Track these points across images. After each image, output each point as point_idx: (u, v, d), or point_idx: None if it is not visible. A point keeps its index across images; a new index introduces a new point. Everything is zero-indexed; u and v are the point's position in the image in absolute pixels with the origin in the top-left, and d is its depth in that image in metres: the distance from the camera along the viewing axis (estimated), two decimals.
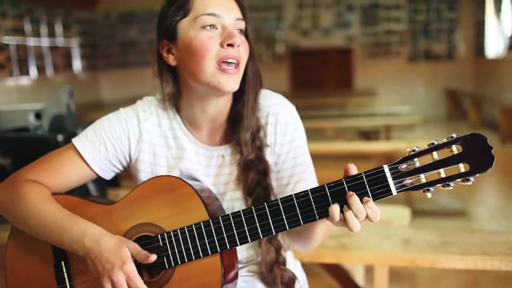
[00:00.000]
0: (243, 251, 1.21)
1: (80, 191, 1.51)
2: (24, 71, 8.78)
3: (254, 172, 1.15)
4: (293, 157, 1.20)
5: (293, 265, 1.29)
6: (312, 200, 0.99)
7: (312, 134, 5.28)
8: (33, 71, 9.01)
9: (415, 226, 2.53)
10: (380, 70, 10.07)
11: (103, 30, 11.02)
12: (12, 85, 8.48)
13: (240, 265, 1.22)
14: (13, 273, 1.21)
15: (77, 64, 10.41)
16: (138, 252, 1.05)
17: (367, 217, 0.95)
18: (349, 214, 0.94)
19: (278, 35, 10.39)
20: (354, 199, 0.94)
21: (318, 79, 10.43)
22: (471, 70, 9.72)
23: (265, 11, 10.32)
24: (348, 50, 10.19)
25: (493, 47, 8.88)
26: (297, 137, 1.22)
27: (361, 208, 0.93)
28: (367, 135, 5.55)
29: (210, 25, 1.08)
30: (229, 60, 1.09)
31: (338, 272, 2.20)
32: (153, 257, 1.05)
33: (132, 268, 1.03)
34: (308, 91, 9.86)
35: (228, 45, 1.08)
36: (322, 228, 1.14)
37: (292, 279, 1.18)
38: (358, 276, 2.45)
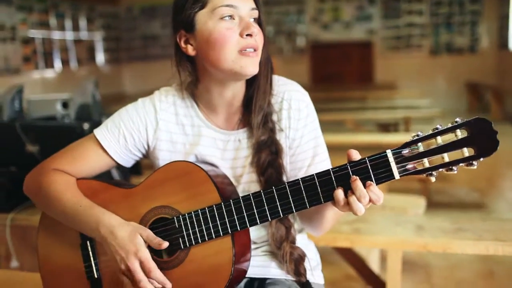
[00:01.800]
0: (254, 231, 1.26)
1: (105, 177, 1.59)
2: (49, 64, 8.98)
3: (266, 153, 1.20)
4: (306, 141, 1.25)
5: (306, 245, 1.33)
6: (317, 184, 1.03)
7: (332, 126, 5.34)
8: (57, 64, 9.20)
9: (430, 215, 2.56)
10: (401, 64, 10.00)
11: (126, 23, 11.17)
12: (38, 78, 8.69)
13: (255, 245, 1.28)
14: (44, 252, 1.30)
15: (100, 57, 10.59)
16: (151, 240, 1.12)
17: (370, 200, 0.98)
18: (352, 199, 0.98)
19: (299, 29, 10.40)
20: (357, 183, 0.97)
21: (339, 73, 10.41)
22: (494, 64, 9.59)
23: (286, 5, 10.33)
24: (369, 43, 10.15)
25: None
26: (310, 121, 1.26)
27: (364, 193, 0.97)
28: (386, 127, 5.55)
29: (229, 16, 1.13)
30: (248, 50, 1.14)
31: (353, 258, 2.25)
32: (165, 244, 1.12)
33: (146, 254, 1.10)
34: (329, 84, 9.85)
35: (247, 35, 1.13)
36: (331, 213, 1.18)
37: (301, 256, 1.23)
38: (373, 263, 2.50)
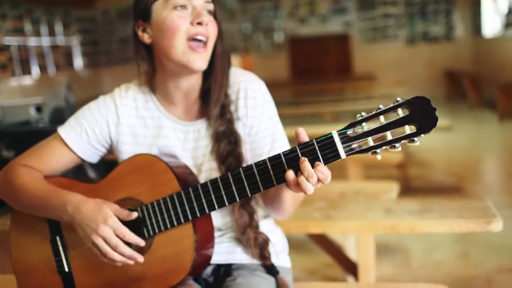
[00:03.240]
0: (219, 218, 1.31)
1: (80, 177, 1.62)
2: (26, 71, 8.92)
3: (225, 143, 1.25)
4: (264, 128, 1.30)
5: (272, 231, 1.37)
6: (270, 168, 1.08)
7: (310, 119, 5.37)
8: (35, 70, 9.14)
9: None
10: (379, 54, 10.11)
11: (103, 27, 11.13)
12: (15, 85, 8.62)
13: (219, 233, 1.32)
14: (16, 251, 1.34)
15: (78, 61, 10.54)
16: (119, 211, 1.16)
17: (318, 180, 1.02)
18: (301, 179, 1.02)
19: (276, 24, 10.45)
20: (305, 164, 1.01)
21: (318, 66, 10.49)
22: (469, 51, 9.74)
23: (262, 1, 10.38)
24: (346, 36, 10.24)
25: (490, 27, 8.90)
26: (267, 109, 1.31)
27: (312, 172, 1.01)
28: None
29: (181, 6, 1.19)
30: (198, 37, 1.20)
31: (329, 245, 2.31)
32: (134, 214, 1.17)
33: (116, 221, 1.14)
34: (308, 78, 9.93)
35: (198, 23, 1.19)
36: (288, 196, 1.22)
37: (265, 241, 1.27)
38: (351, 250, 2.55)
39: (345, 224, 1.86)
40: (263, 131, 1.30)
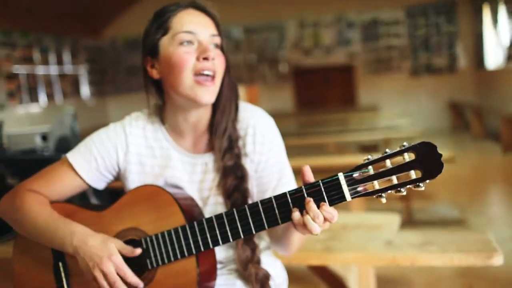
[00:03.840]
0: (222, 252, 1.31)
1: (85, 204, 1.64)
2: (34, 99, 9.04)
3: (232, 178, 1.26)
4: (272, 165, 1.31)
5: (273, 264, 1.38)
6: (275, 206, 1.09)
7: (313, 150, 5.38)
8: (42, 98, 9.26)
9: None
10: (382, 86, 10.19)
11: (110, 56, 11.29)
12: (23, 113, 8.73)
13: (221, 265, 1.32)
14: (19, 277, 1.34)
15: (85, 90, 10.67)
16: (123, 247, 1.18)
17: (325, 219, 1.03)
18: (307, 219, 1.03)
19: (280, 55, 10.58)
20: (310, 205, 1.03)
21: (322, 97, 10.57)
22: (473, 82, 9.80)
23: (267, 32, 10.53)
24: (350, 67, 10.34)
25: (493, 59, 8.98)
26: (275, 146, 1.32)
27: (317, 213, 1.02)
28: (368, 149, 5.64)
29: (187, 41, 1.21)
30: (205, 72, 1.21)
31: (329, 277, 2.29)
32: (138, 251, 1.18)
33: (119, 259, 1.15)
34: (313, 108, 9.99)
35: (204, 58, 1.20)
36: (297, 237, 1.23)
37: (266, 276, 1.27)
38: (352, 282, 2.54)
39: (345, 256, 1.86)
40: (271, 167, 1.31)
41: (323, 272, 2.29)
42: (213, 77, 1.22)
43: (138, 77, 10.91)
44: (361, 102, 10.28)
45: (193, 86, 1.20)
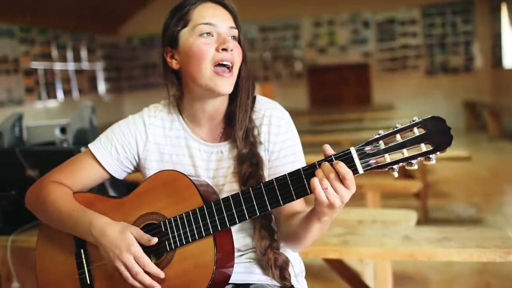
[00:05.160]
0: (240, 240, 1.32)
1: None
2: (52, 95, 9.16)
3: (247, 164, 1.28)
4: (285, 155, 1.32)
5: (291, 253, 1.38)
6: (289, 183, 1.12)
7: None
8: (60, 94, 9.37)
9: None
10: (398, 85, 10.13)
11: (126, 53, 11.38)
12: (41, 108, 8.85)
13: (239, 253, 1.33)
14: (41, 264, 1.38)
15: (101, 86, 10.77)
16: (141, 236, 1.21)
17: (343, 181, 1.05)
18: (325, 183, 1.06)
19: (295, 54, 10.57)
20: (324, 164, 1.07)
21: (337, 95, 10.54)
22: (489, 82, 9.71)
23: (283, 31, 10.53)
24: (365, 66, 10.30)
25: (510, 58, 8.88)
26: (289, 137, 1.34)
27: (330, 169, 1.06)
28: None
29: (207, 33, 1.25)
30: (224, 63, 1.25)
31: (345, 271, 2.29)
32: (155, 240, 1.20)
33: (138, 249, 1.19)
34: (327, 107, 9.98)
35: (223, 49, 1.24)
36: (316, 227, 1.21)
37: (286, 262, 1.28)
38: (368, 277, 2.53)
39: (362, 250, 1.86)
40: (283, 158, 1.32)
41: (339, 266, 2.29)
42: (230, 68, 1.26)
43: (153, 74, 11.01)
44: (376, 101, 10.24)
45: (212, 76, 1.24)
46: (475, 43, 9.80)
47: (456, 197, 4.90)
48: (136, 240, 1.20)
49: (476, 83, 9.78)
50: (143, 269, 1.18)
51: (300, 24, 10.45)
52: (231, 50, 1.25)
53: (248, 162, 1.28)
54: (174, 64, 1.31)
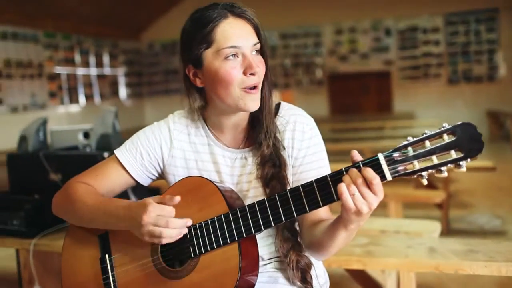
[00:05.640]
0: (265, 247, 1.31)
1: None
2: (74, 99, 9.30)
3: (270, 165, 1.28)
4: (309, 162, 1.31)
5: (315, 263, 1.36)
6: (316, 189, 1.11)
7: (348, 156, 5.33)
8: (81, 99, 9.50)
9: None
10: (419, 93, 10.03)
11: (148, 59, 11.49)
12: (63, 112, 8.98)
13: (263, 262, 1.32)
14: (66, 268, 1.39)
15: (123, 91, 10.89)
16: (161, 199, 1.18)
17: (370, 187, 1.03)
18: (352, 188, 1.04)
19: (316, 61, 10.55)
20: (352, 169, 1.05)
21: (357, 103, 10.49)
22: None
23: (304, 38, 10.52)
24: (387, 74, 10.22)
25: None
26: (313, 144, 1.33)
27: (358, 174, 1.04)
28: None
29: (232, 55, 1.23)
30: (253, 85, 1.24)
31: (368, 282, 2.26)
32: (177, 198, 1.16)
33: (155, 205, 1.15)
34: (347, 115, 9.92)
35: (250, 74, 1.23)
36: (342, 236, 1.19)
37: (308, 265, 1.27)
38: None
39: (386, 261, 1.83)
40: (307, 164, 1.31)
41: (361, 277, 2.26)
42: (257, 85, 1.26)
43: (174, 79, 11.09)
44: (397, 109, 10.14)
45: (241, 96, 1.23)
46: (499, 52, 9.66)
47: (479, 208, 4.81)
48: (159, 202, 1.17)
49: (500, 92, 9.63)
50: (171, 215, 1.15)
51: (321, 31, 10.43)
52: (258, 73, 1.24)
53: (271, 163, 1.28)
54: (198, 83, 1.30)
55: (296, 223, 1.30)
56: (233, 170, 1.34)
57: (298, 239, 1.27)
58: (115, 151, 1.40)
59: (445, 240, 2.06)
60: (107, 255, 1.33)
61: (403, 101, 10.11)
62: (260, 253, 1.27)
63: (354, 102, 10.48)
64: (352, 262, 1.86)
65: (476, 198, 5.17)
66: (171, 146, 1.37)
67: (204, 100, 1.36)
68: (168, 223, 1.14)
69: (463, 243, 1.91)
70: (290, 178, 1.31)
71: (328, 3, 10.09)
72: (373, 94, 10.46)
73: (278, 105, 1.37)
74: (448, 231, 3.96)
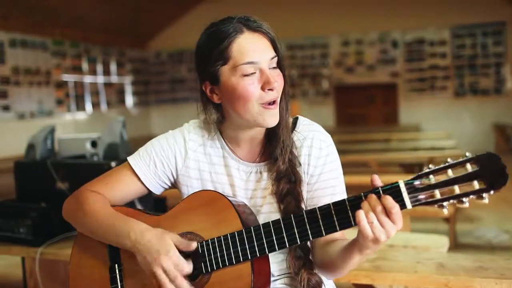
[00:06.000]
0: (275, 264, 1.29)
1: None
2: (80, 107, 9.33)
3: (285, 181, 1.26)
4: (324, 179, 1.29)
5: (325, 281, 1.33)
6: (333, 213, 1.08)
7: (356, 167, 5.28)
8: (88, 106, 9.54)
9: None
10: (425, 105, 10.01)
11: (154, 68, 11.54)
12: (70, 119, 9.01)
13: (274, 278, 1.30)
14: (75, 276, 1.38)
15: (129, 100, 10.92)
16: (180, 242, 1.18)
17: (389, 215, 1.02)
18: (371, 216, 1.02)
19: (323, 72, 10.55)
20: (371, 196, 1.03)
21: (363, 115, 10.47)
22: None
23: (311, 49, 10.53)
24: (393, 86, 10.21)
25: None
26: (330, 161, 1.30)
27: (377, 202, 1.02)
28: (410, 168, 5.53)
29: (250, 72, 1.20)
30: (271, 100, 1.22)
31: None
32: (194, 245, 1.17)
33: (176, 253, 1.15)
34: (353, 126, 9.90)
35: (269, 89, 1.21)
36: (358, 258, 1.16)
37: (319, 283, 1.24)
38: None
39: (395, 276, 1.81)
40: (323, 182, 1.29)
41: None
42: (276, 100, 1.24)
43: (181, 88, 11.12)
44: (403, 121, 10.12)
45: (260, 112, 1.21)
46: (506, 65, 9.64)
47: (486, 222, 4.77)
48: (176, 246, 1.17)
49: (507, 105, 9.59)
50: (182, 273, 1.15)
51: (328, 43, 10.44)
52: (276, 87, 1.22)
53: (286, 179, 1.26)
54: (216, 99, 1.28)
55: (308, 241, 1.28)
56: (247, 184, 1.32)
57: (310, 257, 1.26)
58: (128, 158, 1.38)
59: (454, 256, 2.04)
60: (116, 265, 1.31)
61: (409, 113, 10.08)
62: (272, 270, 1.25)
63: (360, 114, 10.47)
64: (361, 277, 1.84)
65: (483, 211, 5.13)
66: (186, 157, 1.35)
67: (221, 114, 1.32)
68: (175, 279, 1.14)
69: (472, 260, 1.88)
70: (305, 194, 1.29)
71: (336, 15, 10.11)
72: (379, 106, 10.45)
73: (295, 119, 1.35)
74: (455, 245, 3.92)
